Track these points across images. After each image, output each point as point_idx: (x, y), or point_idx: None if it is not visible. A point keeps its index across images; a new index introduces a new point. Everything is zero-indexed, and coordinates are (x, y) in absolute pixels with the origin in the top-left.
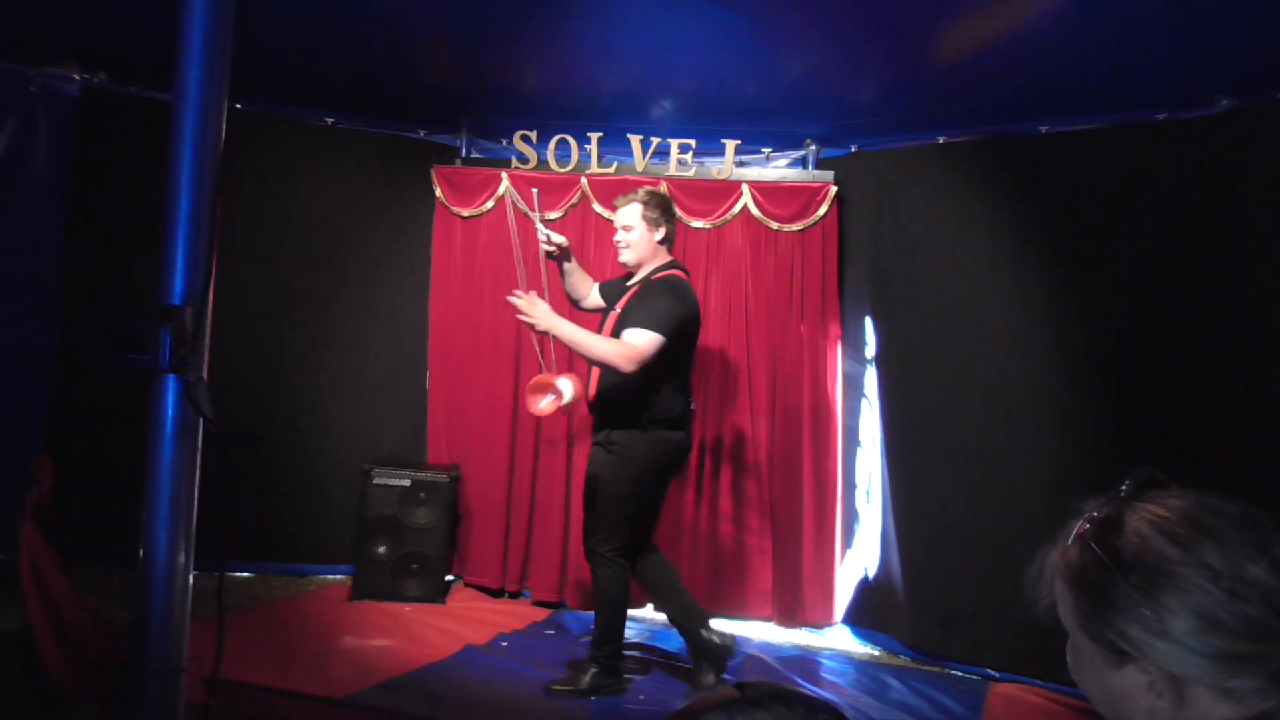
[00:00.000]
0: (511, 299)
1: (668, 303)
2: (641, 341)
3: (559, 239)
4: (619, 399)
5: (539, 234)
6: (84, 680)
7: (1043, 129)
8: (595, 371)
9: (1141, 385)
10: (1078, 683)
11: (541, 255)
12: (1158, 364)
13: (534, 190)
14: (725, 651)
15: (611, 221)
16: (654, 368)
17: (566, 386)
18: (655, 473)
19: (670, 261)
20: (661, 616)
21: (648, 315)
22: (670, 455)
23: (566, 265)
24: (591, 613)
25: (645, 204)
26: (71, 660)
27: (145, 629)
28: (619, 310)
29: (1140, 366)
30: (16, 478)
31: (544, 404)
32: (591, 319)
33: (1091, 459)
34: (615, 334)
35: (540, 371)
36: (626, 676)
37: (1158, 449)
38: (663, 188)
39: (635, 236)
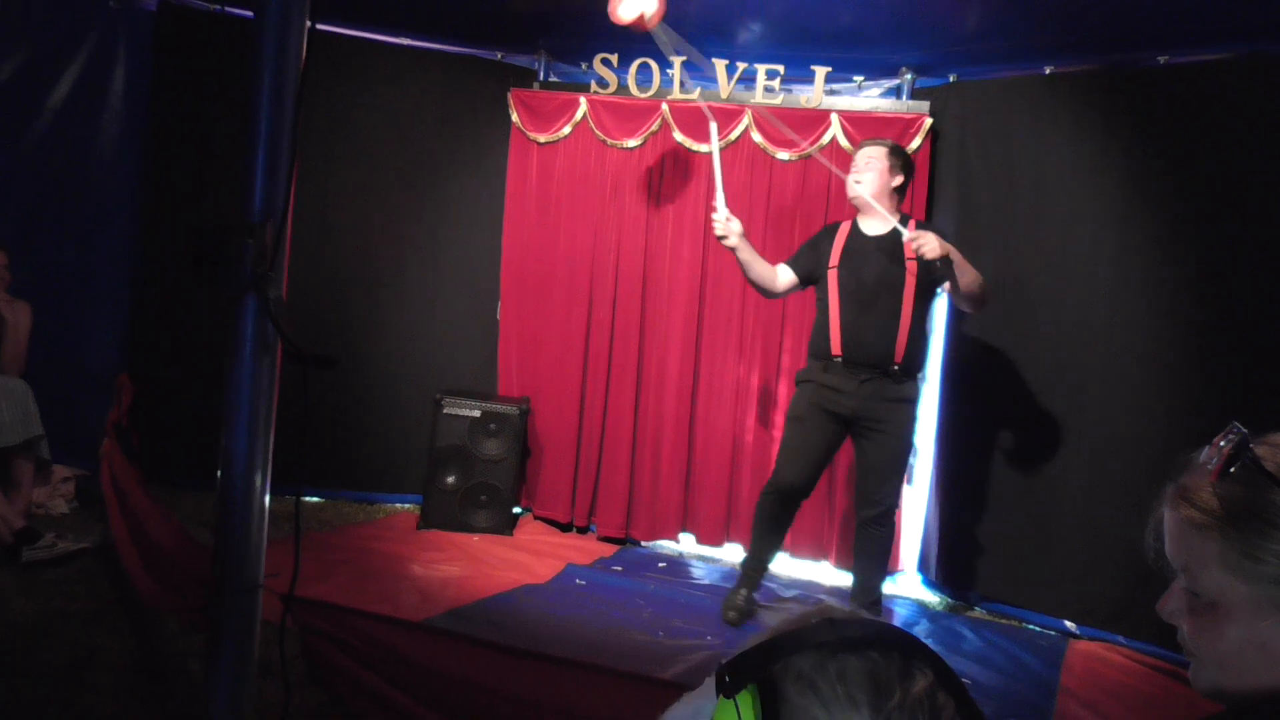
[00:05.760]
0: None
1: None
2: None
3: (735, 225)
4: (921, 349)
5: (717, 201)
6: (166, 593)
7: (1161, 59)
8: (904, 328)
9: (1266, 336)
10: (1200, 649)
11: (717, 224)
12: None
13: (713, 124)
14: None
15: (693, 151)
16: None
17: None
18: None
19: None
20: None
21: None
22: None
23: (743, 256)
24: (654, 544)
25: (890, 151)
26: (154, 574)
27: (224, 545)
28: (913, 259)
29: (1265, 315)
30: (97, 396)
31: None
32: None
33: (1191, 407)
34: (922, 291)
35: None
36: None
37: (1271, 402)
38: (746, 116)
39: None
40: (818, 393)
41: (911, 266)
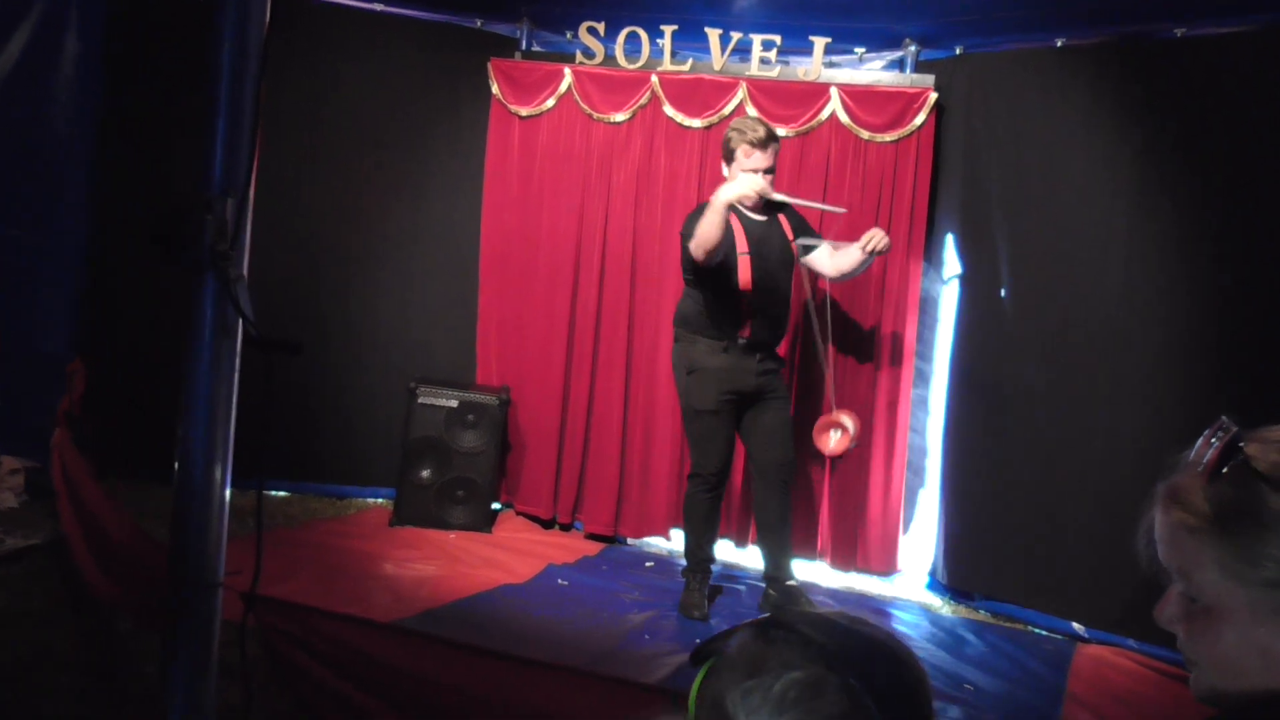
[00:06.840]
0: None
1: None
2: None
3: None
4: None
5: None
6: (121, 591)
7: (1178, 32)
8: (792, 306)
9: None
10: (1198, 654)
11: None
12: None
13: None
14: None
15: (684, 126)
16: None
17: (850, 423)
18: None
19: None
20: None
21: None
22: None
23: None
24: (642, 542)
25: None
26: (107, 571)
27: (181, 540)
28: (794, 241)
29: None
30: (48, 383)
31: (834, 442)
32: None
33: (1206, 399)
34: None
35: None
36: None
37: None
38: (741, 89)
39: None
40: (721, 380)
41: (794, 247)
